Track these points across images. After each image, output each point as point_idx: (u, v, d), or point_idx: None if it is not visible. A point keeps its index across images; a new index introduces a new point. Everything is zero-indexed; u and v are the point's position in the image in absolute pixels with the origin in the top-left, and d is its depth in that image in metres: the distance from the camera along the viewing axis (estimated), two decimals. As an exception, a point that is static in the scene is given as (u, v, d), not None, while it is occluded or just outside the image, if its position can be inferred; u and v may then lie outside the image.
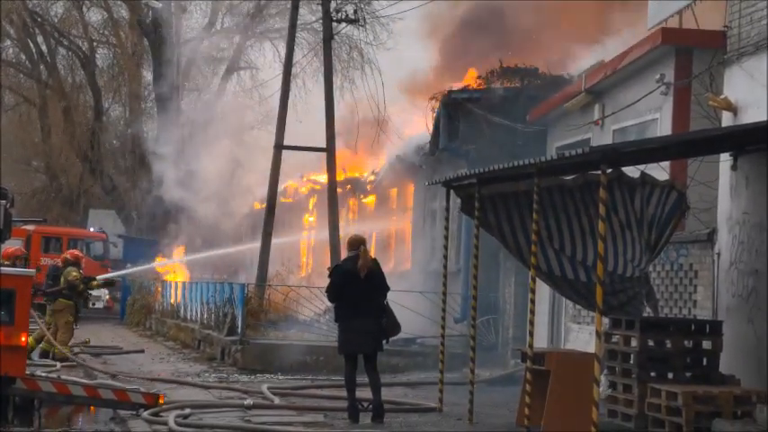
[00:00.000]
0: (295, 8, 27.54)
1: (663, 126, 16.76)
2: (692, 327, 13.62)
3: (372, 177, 33.12)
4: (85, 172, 49.46)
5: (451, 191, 15.59)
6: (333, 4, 26.21)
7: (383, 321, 14.31)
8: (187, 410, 14.65)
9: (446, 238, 16.17)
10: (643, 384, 13.09)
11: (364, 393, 14.55)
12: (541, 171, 13.23)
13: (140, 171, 45.02)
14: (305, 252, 39.98)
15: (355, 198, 35.48)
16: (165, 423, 13.62)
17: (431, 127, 25.37)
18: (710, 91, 15.08)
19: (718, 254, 14.47)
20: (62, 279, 22.28)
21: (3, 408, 14.41)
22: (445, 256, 16.08)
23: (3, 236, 15.52)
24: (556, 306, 20.34)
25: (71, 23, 48.42)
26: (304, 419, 14.54)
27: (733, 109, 14.24)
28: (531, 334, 13.77)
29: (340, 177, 29.77)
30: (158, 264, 39.32)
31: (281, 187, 30.38)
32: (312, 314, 23.79)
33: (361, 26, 29.55)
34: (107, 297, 39.61)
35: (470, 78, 25.68)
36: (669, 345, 13.34)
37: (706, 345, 13.40)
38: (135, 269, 38.86)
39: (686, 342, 13.38)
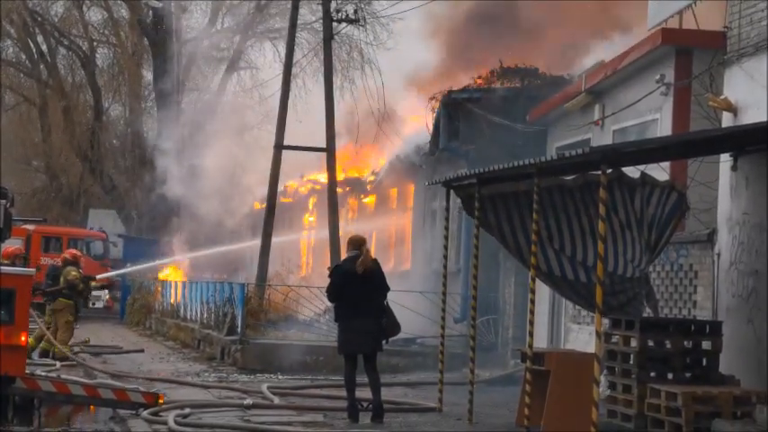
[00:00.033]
0: (295, 8, 27.54)
1: (663, 126, 16.76)
2: (692, 327, 13.61)
3: (372, 177, 33.10)
4: (85, 172, 49.43)
5: (451, 191, 15.58)
6: (333, 4, 26.20)
7: (383, 321, 14.32)
8: (187, 410, 14.65)
9: (446, 238, 16.16)
10: (643, 385, 13.08)
11: (364, 393, 14.54)
12: (541, 171, 13.22)
13: (141, 170, 45.02)
14: (305, 252, 39.97)
15: (355, 198, 35.46)
16: (165, 423, 13.62)
17: (431, 127, 25.38)
18: (710, 91, 15.08)
19: (718, 254, 14.47)
20: (62, 279, 22.30)
21: (3, 407, 14.41)
22: (445, 256, 16.07)
23: (3, 235, 15.49)
24: (556, 306, 20.33)
25: (71, 23, 48.40)
26: (304, 419, 14.54)
27: (733, 109, 14.24)
28: (531, 334, 13.75)
29: (340, 177, 29.76)
30: (161, 262, 39.27)
31: (281, 187, 30.37)
32: (312, 314, 23.79)
33: (362, 26, 29.57)
34: (107, 297, 39.57)
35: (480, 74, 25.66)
36: (669, 345, 13.32)
37: (706, 345, 13.39)
38: (136, 267, 38.80)
39: (686, 342, 13.36)
